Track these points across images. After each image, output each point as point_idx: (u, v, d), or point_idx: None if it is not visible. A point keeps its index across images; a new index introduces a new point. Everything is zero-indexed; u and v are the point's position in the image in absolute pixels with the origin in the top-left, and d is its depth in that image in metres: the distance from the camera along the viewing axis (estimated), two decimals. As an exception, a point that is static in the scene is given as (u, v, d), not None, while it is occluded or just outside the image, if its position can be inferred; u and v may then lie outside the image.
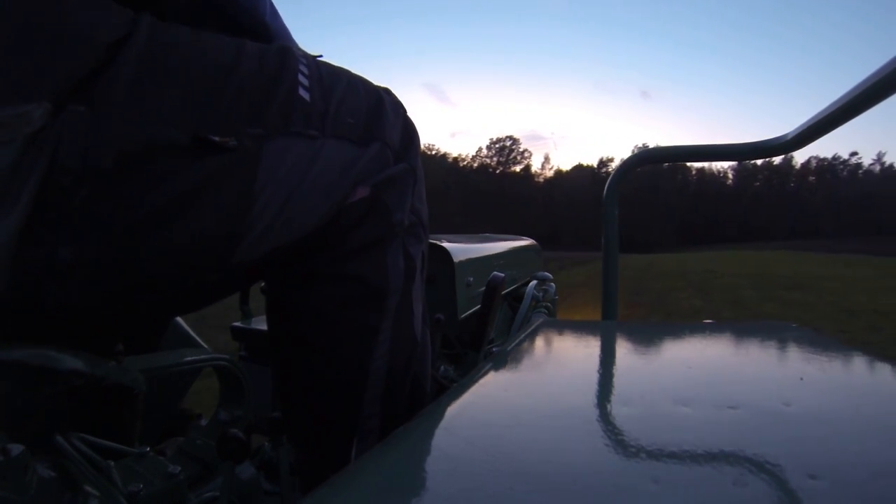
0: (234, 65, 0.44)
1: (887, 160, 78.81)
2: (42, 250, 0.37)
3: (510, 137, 79.35)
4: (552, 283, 1.85)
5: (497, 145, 78.46)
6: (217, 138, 0.41)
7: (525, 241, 2.06)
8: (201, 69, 0.42)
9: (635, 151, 1.09)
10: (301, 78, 0.48)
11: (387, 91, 0.62)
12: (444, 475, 0.27)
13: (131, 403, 0.55)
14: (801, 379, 0.40)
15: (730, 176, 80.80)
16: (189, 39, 0.43)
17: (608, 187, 1.05)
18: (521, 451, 0.29)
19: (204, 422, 0.84)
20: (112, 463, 0.49)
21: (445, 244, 1.18)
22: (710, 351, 0.53)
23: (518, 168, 78.03)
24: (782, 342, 0.54)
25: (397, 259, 0.55)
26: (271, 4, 0.57)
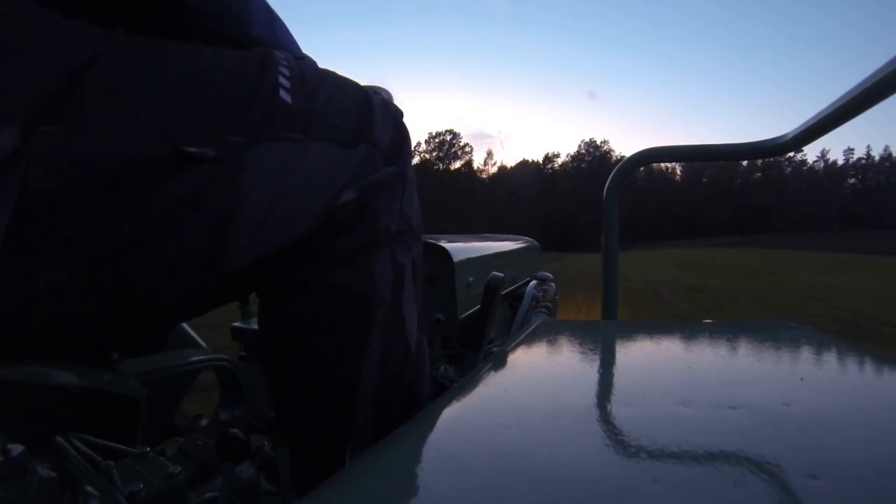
0: (212, 72, 0.43)
1: (830, 157, 79.93)
2: (21, 280, 0.36)
3: (450, 131, 76.76)
4: (552, 283, 1.85)
5: (437, 139, 75.68)
6: (195, 150, 0.40)
7: (525, 241, 2.06)
8: (176, 78, 0.41)
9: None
10: (282, 80, 0.47)
11: (377, 91, 0.61)
12: (443, 475, 0.27)
13: (132, 409, 0.55)
14: (802, 379, 0.40)
15: (678, 172, 79.80)
16: (163, 50, 0.41)
17: (608, 187, 1.05)
18: (521, 451, 0.29)
19: (204, 422, 0.84)
20: (112, 463, 0.49)
21: (445, 244, 1.17)
22: (710, 351, 0.53)
23: (459, 164, 75.32)
24: (782, 342, 0.54)
25: (385, 268, 0.54)
26: (267, 13, 0.54)
